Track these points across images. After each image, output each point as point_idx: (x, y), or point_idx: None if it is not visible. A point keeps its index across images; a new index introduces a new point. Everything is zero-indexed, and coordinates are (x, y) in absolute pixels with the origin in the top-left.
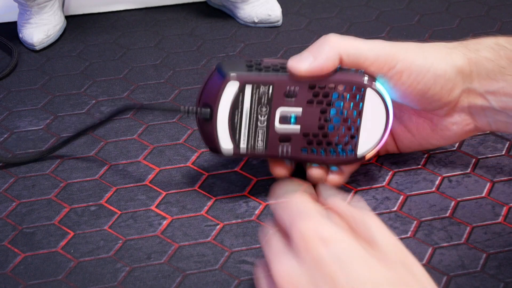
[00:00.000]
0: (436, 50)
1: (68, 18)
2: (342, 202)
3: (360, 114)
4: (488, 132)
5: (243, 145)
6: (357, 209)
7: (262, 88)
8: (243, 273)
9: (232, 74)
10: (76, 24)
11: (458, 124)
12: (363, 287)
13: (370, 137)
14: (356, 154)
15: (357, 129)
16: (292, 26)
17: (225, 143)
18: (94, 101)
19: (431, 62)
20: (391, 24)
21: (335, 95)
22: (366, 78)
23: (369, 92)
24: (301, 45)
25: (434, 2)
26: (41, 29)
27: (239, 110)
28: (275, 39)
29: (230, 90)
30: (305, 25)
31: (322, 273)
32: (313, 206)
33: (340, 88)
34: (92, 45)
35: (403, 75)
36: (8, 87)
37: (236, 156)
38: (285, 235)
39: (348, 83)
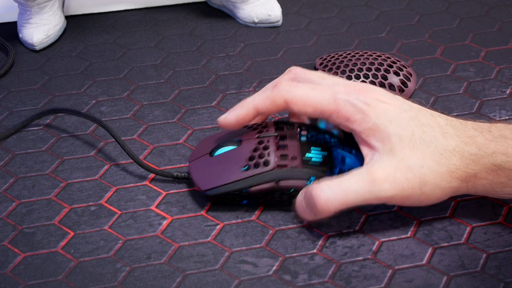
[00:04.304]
0: (435, 174)
1: (68, 18)
2: None
3: None
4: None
5: None
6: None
7: None
8: (243, 273)
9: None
10: (76, 24)
11: None
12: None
13: None
14: None
15: None
16: (292, 26)
17: None
18: (94, 101)
19: (427, 193)
20: (391, 24)
21: None
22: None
23: None
24: (301, 45)
25: (434, 2)
26: (41, 29)
27: None
28: (275, 39)
29: None
30: (305, 25)
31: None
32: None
33: None
34: (92, 45)
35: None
36: (8, 87)
37: None
38: None
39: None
